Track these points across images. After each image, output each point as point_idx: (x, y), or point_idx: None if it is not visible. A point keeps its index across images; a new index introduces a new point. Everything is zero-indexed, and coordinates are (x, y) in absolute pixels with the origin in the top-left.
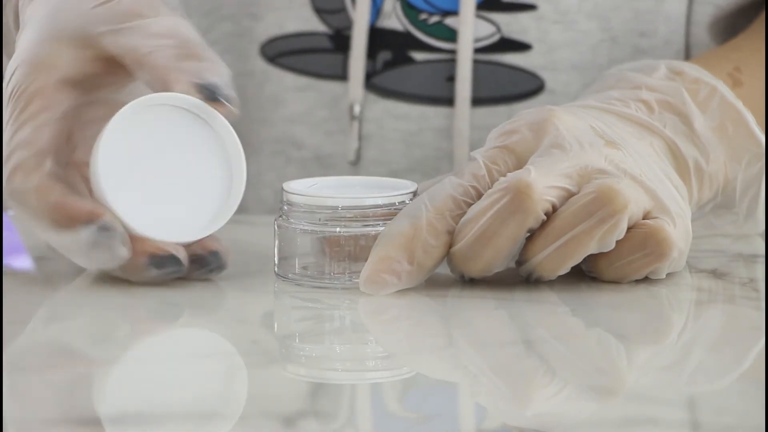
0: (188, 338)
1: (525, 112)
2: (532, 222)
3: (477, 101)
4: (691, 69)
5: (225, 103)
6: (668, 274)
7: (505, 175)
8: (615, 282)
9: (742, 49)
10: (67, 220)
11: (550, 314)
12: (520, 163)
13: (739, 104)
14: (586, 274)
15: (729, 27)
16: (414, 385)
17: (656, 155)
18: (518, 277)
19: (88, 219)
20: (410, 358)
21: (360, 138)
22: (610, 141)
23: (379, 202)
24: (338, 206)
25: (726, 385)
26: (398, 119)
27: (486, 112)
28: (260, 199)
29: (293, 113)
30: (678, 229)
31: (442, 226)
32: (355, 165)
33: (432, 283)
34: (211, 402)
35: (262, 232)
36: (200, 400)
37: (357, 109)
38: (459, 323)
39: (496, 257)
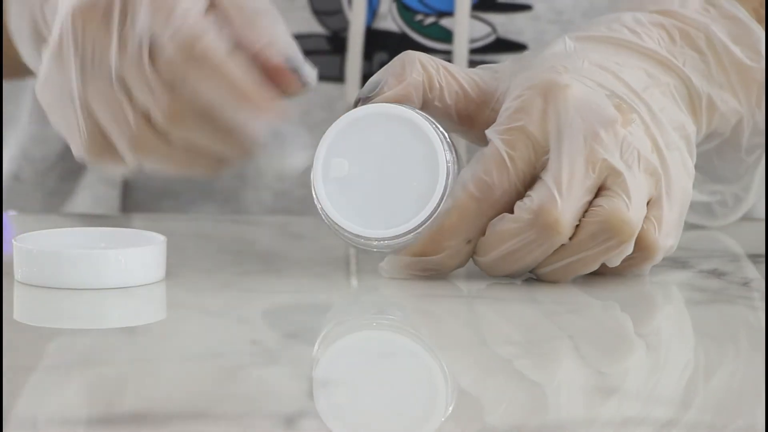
0: (188, 338)
1: (535, 73)
2: (558, 246)
3: None
4: (727, 3)
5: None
6: (668, 275)
7: (526, 162)
8: (598, 274)
9: None
10: (252, 107)
11: (550, 314)
12: (536, 146)
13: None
14: None
15: None
16: (414, 385)
17: (671, 102)
18: (518, 277)
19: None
20: (410, 358)
21: None
22: (626, 108)
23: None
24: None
25: (726, 385)
26: None
27: None
28: (260, 201)
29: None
30: (667, 223)
31: (463, 239)
32: None
33: (433, 284)
34: (211, 402)
35: (262, 232)
36: (200, 400)
37: None
38: (459, 323)
39: (520, 273)
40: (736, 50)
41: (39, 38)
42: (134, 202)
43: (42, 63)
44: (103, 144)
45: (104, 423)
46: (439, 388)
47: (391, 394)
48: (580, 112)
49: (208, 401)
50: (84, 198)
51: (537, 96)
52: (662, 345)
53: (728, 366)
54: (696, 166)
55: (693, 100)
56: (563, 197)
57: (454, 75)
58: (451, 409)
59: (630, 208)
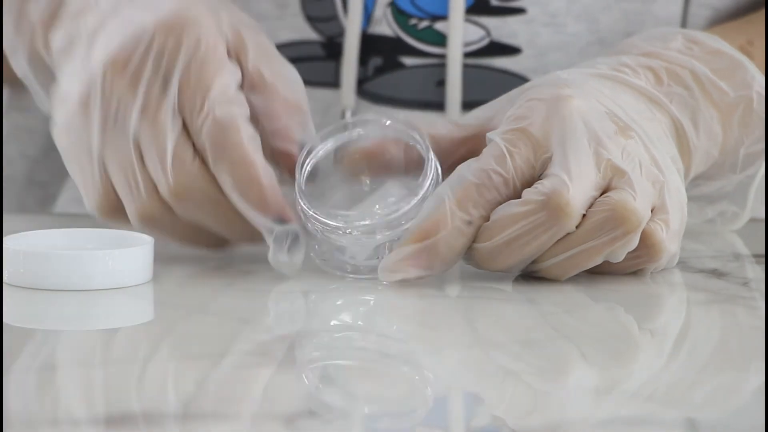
0: (188, 338)
1: (538, 88)
2: (563, 234)
3: (467, 105)
4: (709, 39)
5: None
6: (668, 275)
7: (525, 160)
8: (602, 273)
9: (755, 22)
10: (261, 203)
11: (550, 314)
12: (536, 147)
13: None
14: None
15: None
16: (413, 385)
17: (664, 136)
18: (517, 277)
19: (279, 217)
20: (410, 358)
21: None
22: (624, 127)
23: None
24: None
25: (726, 385)
26: None
27: None
28: None
29: None
30: (672, 229)
31: (464, 219)
32: None
33: (432, 284)
34: (212, 402)
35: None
36: (200, 400)
37: (349, 115)
38: (459, 323)
39: (523, 262)
40: (722, 84)
41: (38, 60)
42: None
43: (60, 106)
44: (115, 203)
45: (103, 423)
46: (437, 389)
47: (391, 395)
48: (583, 119)
49: (208, 401)
50: (68, 198)
51: (540, 104)
52: (662, 345)
53: (729, 366)
54: (689, 197)
55: (682, 142)
56: (573, 184)
57: (434, 136)
58: (449, 409)
59: (636, 199)
